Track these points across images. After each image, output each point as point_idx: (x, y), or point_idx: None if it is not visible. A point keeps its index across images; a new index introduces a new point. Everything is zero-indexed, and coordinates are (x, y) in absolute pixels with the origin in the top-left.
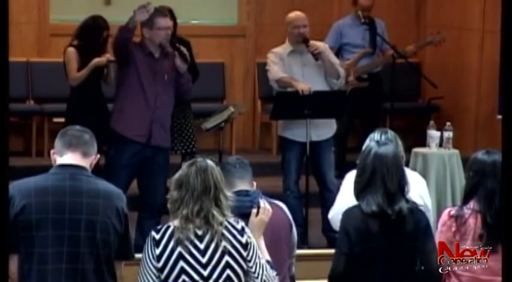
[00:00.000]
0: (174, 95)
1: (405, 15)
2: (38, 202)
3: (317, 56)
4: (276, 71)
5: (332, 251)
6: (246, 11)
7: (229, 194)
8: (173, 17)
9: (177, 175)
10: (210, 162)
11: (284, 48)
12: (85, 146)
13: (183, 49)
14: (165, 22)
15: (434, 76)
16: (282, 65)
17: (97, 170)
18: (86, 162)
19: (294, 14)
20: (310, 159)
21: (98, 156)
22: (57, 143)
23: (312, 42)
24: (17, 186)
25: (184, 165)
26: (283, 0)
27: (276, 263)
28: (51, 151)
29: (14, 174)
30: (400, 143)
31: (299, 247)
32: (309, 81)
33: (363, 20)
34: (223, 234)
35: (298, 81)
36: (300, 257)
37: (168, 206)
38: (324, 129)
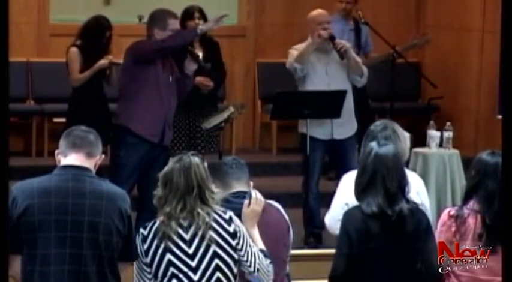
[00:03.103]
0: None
1: (405, 15)
2: (40, 203)
3: (343, 54)
4: (293, 54)
5: (332, 251)
6: (246, 11)
7: (215, 189)
8: (203, 16)
9: (163, 172)
10: (194, 159)
11: None
12: (89, 147)
13: (196, 52)
14: (177, 24)
15: (434, 76)
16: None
17: (98, 172)
18: (90, 163)
19: (316, 12)
20: (333, 158)
21: (103, 156)
22: (62, 143)
23: (337, 40)
24: (20, 187)
25: (171, 162)
26: (283, 1)
27: (275, 264)
28: (56, 151)
29: (14, 174)
30: (400, 131)
31: (298, 247)
32: (332, 79)
33: (363, 20)
34: (209, 224)
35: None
36: (300, 257)
37: (154, 202)
38: (346, 127)
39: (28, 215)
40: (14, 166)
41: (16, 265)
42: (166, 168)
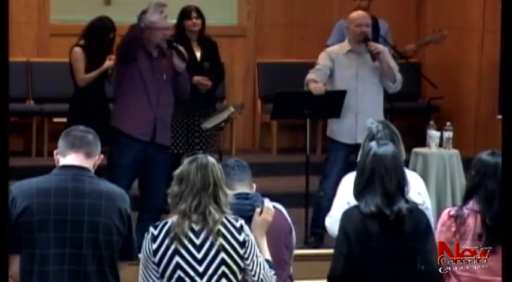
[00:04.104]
0: (173, 95)
1: (405, 15)
2: (39, 203)
3: (376, 55)
4: (308, 76)
5: (331, 251)
6: (246, 11)
7: (229, 191)
8: (201, 16)
9: (178, 170)
10: (211, 159)
11: (342, 47)
12: (88, 147)
13: (181, 48)
14: (153, 17)
15: (434, 76)
16: (328, 67)
17: (97, 171)
18: (89, 163)
19: (356, 13)
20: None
21: (102, 156)
22: (61, 143)
23: (371, 42)
24: (19, 187)
25: (186, 161)
26: (283, 1)
27: (277, 266)
28: (55, 151)
29: (14, 174)
30: (395, 130)
31: (299, 247)
32: (362, 82)
33: None
34: (220, 231)
35: (317, 83)
36: (300, 257)
37: (169, 200)
38: None
39: (27, 215)
40: (14, 166)
41: (15, 265)
42: (181, 168)
